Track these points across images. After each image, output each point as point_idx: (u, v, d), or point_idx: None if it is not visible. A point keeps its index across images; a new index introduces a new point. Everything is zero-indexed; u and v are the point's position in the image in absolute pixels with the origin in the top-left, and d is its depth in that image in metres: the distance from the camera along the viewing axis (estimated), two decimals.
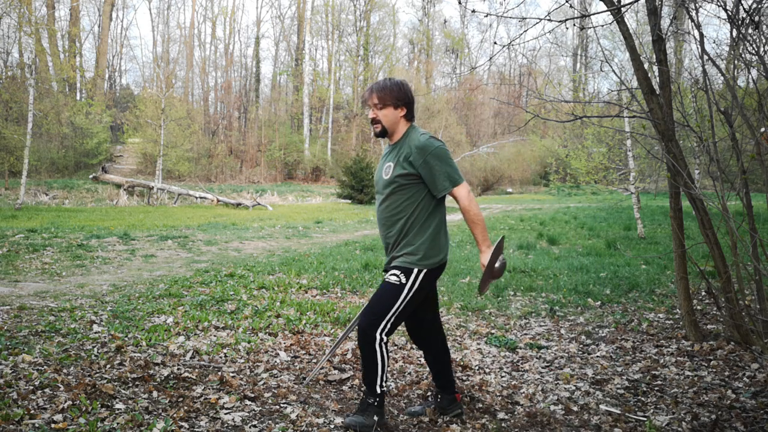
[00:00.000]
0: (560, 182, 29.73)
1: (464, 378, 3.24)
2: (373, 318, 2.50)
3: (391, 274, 2.56)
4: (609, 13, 3.82)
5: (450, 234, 11.24)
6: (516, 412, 2.78)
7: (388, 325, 2.51)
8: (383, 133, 2.65)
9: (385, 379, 2.53)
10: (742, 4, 3.17)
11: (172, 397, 2.74)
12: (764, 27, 3.18)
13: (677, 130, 4.16)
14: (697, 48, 3.48)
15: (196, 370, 3.15)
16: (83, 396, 2.63)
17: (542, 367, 3.45)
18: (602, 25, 4.15)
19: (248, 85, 43.45)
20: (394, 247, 2.62)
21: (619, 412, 2.75)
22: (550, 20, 3.70)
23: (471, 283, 5.94)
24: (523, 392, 3.02)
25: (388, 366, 2.90)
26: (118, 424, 2.41)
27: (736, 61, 3.54)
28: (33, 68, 19.79)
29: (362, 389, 2.91)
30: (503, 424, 2.65)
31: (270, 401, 2.80)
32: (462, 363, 3.44)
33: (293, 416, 2.62)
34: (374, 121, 2.65)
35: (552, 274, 6.41)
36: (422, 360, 3.52)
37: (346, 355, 3.54)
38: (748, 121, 3.23)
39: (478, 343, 3.92)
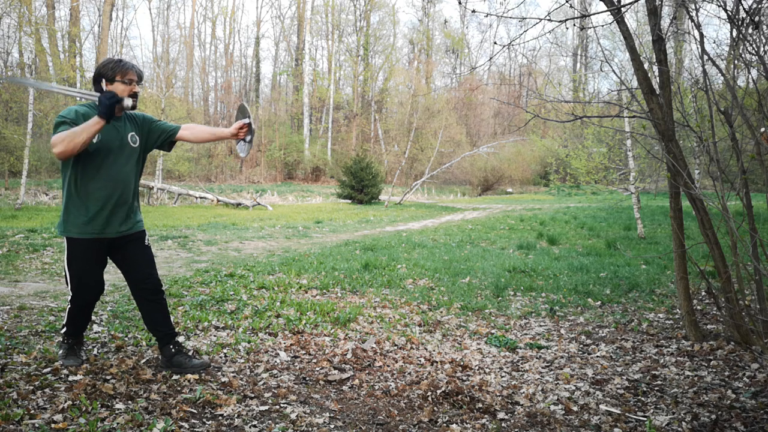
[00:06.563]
0: (560, 182, 29.77)
1: (464, 378, 3.24)
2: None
3: (148, 239, 3.15)
4: (609, 13, 3.82)
5: (450, 234, 11.24)
6: (516, 412, 2.78)
7: None
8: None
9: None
10: (742, 4, 3.17)
11: (171, 397, 2.74)
12: (764, 27, 3.18)
13: (677, 130, 4.17)
14: (697, 48, 3.49)
15: None
16: (83, 396, 2.63)
17: (542, 367, 3.45)
18: (602, 25, 4.15)
19: (248, 85, 43.48)
20: (129, 214, 3.03)
21: (619, 412, 2.75)
22: (550, 20, 3.70)
23: (471, 283, 5.94)
24: (523, 392, 3.02)
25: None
26: (118, 424, 2.41)
27: (736, 61, 3.54)
28: (33, 68, 19.81)
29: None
30: (503, 424, 2.64)
31: (270, 401, 2.80)
32: (462, 363, 3.44)
33: (293, 416, 2.62)
34: (137, 96, 3.00)
35: (552, 274, 6.42)
36: (422, 360, 3.52)
37: (346, 355, 3.54)
38: (748, 121, 3.23)
39: (478, 343, 3.92)
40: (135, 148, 3.04)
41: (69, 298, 3.04)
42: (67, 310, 3.09)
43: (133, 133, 3.04)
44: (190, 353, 3.23)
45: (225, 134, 3.25)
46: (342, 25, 43.00)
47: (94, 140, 2.86)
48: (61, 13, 33.45)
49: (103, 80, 2.93)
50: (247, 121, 3.21)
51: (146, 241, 3.12)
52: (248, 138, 3.25)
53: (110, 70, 2.91)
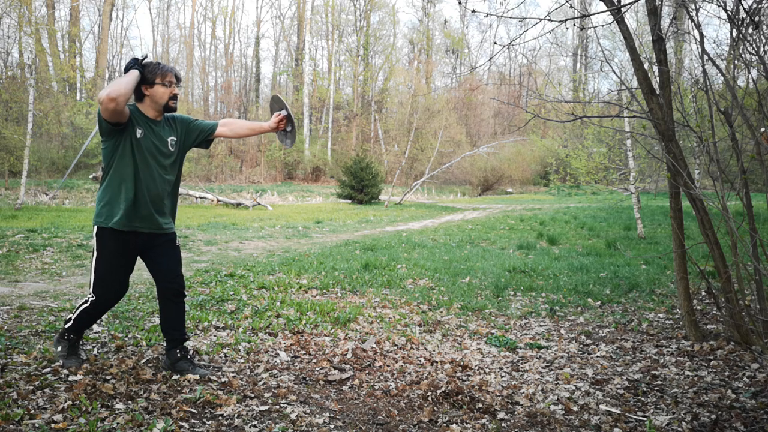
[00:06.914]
0: (560, 182, 29.78)
1: (464, 378, 3.24)
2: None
3: (178, 240, 3.15)
4: (609, 13, 3.82)
5: (450, 234, 11.24)
6: (516, 412, 2.78)
7: None
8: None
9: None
10: (742, 4, 3.17)
11: (171, 397, 2.74)
12: (764, 27, 3.18)
13: (677, 130, 4.17)
14: (697, 48, 3.49)
15: None
16: (83, 396, 2.63)
17: (542, 367, 3.45)
18: (602, 25, 4.16)
19: (248, 85, 43.49)
20: (164, 214, 3.04)
21: (619, 412, 2.75)
22: (550, 20, 3.70)
23: (471, 283, 5.94)
24: (523, 392, 3.02)
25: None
26: (118, 424, 2.41)
27: (736, 61, 3.54)
28: (33, 68, 19.82)
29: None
30: (503, 424, 2.64)
31: (270, 401, 2.80)
32: (462, 363, 3.44)
33: (293, 416, 2.62)
34: (176, 98, 3.00)
35: (552, 274, 6.42)
36: (422, 360, 3.53)
37: (346, 355, 3.54)
38: (748, 121, 3.23)
39: (478, 343, 3.92)
40: (173, 152, 3.05)
41: (90, 298, 3.02)
42: (82, 307, 3.06)
43: (173, 137, 3.05)
44: (195, 359, 3.23)
45: (264, 128, 3.25)
46: (342, 25, 42.99)
47: (139, 134, 2.89)
48: (61, 13, 33.48)
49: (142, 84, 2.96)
50: (284, 113, 3.19)
51: (177, 242, 3.13)
52: (289, 128, 3.22)
53: (150, 73, 2.92)
